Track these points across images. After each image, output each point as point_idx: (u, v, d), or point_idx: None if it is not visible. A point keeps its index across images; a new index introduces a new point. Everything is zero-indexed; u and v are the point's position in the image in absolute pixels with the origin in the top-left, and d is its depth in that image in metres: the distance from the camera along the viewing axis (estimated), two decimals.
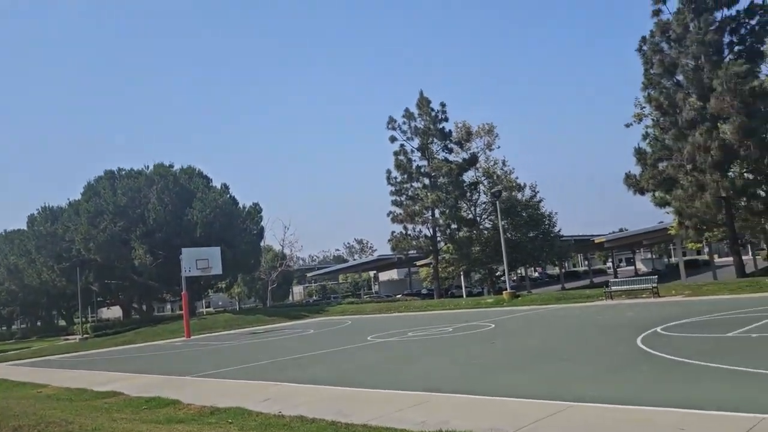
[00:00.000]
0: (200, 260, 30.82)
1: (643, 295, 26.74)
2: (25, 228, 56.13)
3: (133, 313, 58.66)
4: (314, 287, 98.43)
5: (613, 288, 27.52)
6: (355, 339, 20.37)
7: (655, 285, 26.12)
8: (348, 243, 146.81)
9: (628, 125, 36.14)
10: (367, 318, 33.31)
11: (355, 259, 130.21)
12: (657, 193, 30.42)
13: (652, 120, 30.62)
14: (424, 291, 79.01)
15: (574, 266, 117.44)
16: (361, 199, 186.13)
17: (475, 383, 9.82)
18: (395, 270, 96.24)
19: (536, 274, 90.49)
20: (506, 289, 33.60)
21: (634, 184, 30.84)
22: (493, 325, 20.07)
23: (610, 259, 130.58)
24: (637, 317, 18.15)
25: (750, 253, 71.04)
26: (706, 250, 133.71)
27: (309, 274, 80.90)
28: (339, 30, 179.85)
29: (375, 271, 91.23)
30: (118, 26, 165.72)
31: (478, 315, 25.93)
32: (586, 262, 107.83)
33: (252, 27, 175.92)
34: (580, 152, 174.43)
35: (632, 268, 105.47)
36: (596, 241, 52.98)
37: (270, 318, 39.68)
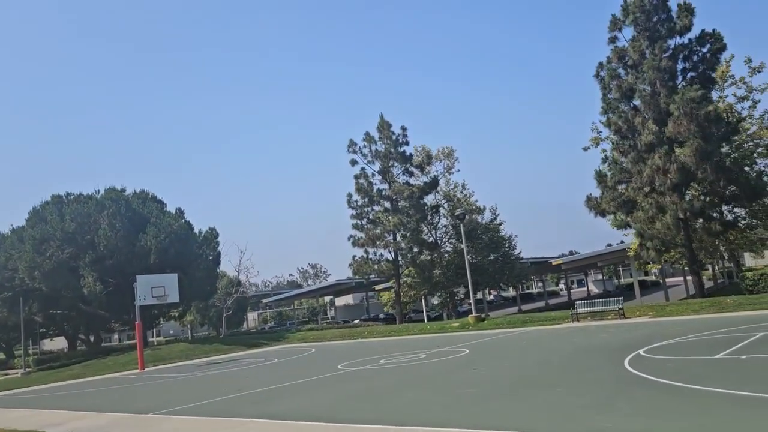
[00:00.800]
0: (156, 288, 29.42)
1: (609, 317, 26.87)
2: None
3: (78, 344, 55.70)
4: (269, 314, 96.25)
5: (579, 310, 27.56)
6: (325, 368, 19.57)
7: (620, 306, 26.29)
8: (302, 267, 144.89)
9: (586, 149, 36.90)
10: (331, 345, 32.41)
11: (309, 284, 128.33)
12: (618, 215, 30.88)
13: (612, 143, 31.24)
14: (381, 315, 78.19)
15: (527, 288, 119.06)
16: (314, 224, 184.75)
17: (470, 414, 9.30)
18: (351, 295, 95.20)
19: (491, 297, 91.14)
20: (471, 313, 33.35)
21: (595, 206, 31.25)
22: (467, 350, 19.63)
23: (562, 281, 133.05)
24: (613, 339, 18.04)
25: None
26: (654, 271, 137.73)
27: (264, 300, 79.04)
28: (296, 52, 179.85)
29: (332, 296, 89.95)
30: (60, 44, 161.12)
31: (447, 340, 25.48)
32: (540, 284, 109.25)
33: (203, 45, 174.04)
34: (530, 176, 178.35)
35: (583, 289, 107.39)
36: (553, 263, 53.54)
37: (227, 347, 38.24)
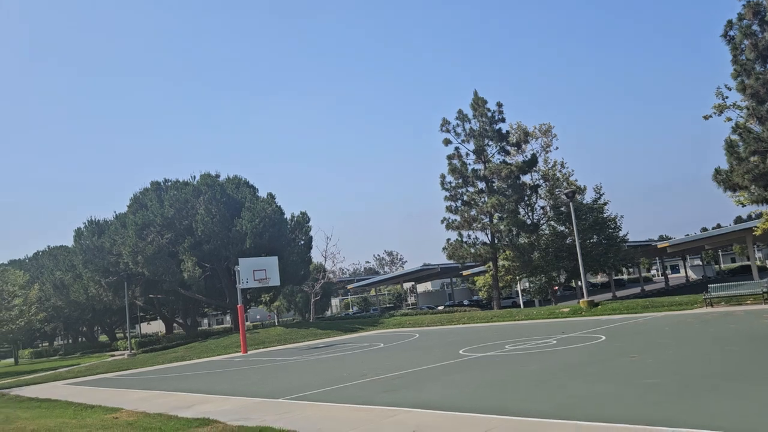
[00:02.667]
0: (257, 271, 29.09)
1: (748, 302, 24.22)
2: (68, 244, 55.54)
3: (175, 328, 57.40)
4: (352, 299, 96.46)
5: (714, 294, 24.93)
6: (446, 354, 18.29)
7: (766, 290, 23.54)
8: (378, 255, 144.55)
9: (707, 117, 33.53)
10: (433, 330, 31.18)
11: (386, 271, 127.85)
12: (753, 189, 27.74)
13: (747, 109, 28.03)
14: (466, 302, 76.36)
15: (619, 274, 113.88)
16: (390, 211, 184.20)
17: (686, 411, 7.70)
18: (429, 282, 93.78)
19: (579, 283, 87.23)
20: (575, 298, 31.24)
21: (725, 181, 28.22)
22: (603, 337, 17.79)
23: (654, 267, 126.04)
24: None
25: None
26: (758, 255, 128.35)
27: (350, 286, 78.94)
28: (374, 38, 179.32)
29: (413, 282, 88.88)
30: (155, 34, 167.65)
31: (567, 325, 23.63)
32: (631, 270, 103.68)
33: (284, 35, 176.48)
34: (627, 156, 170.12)
35: (679, 275, 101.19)
36: (659, 246, 50.10)
37: (323, 331, 37.80)
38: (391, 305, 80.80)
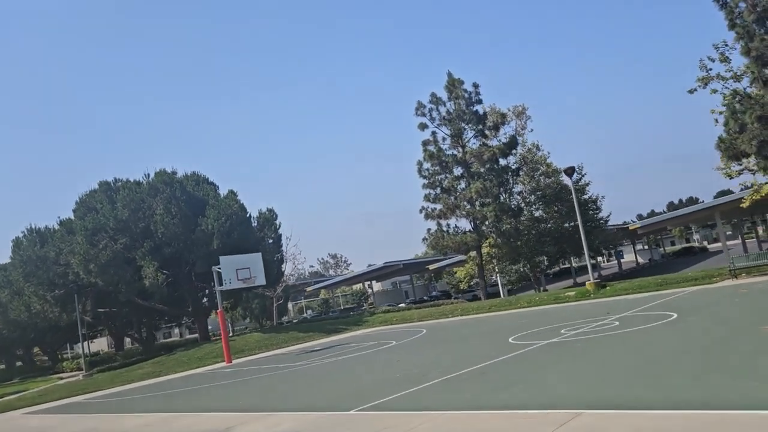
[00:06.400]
0: (241, 269, 25.91)
1: None
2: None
3: (129, 343, 52.66)
4: (307, 303, 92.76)
5: (737, 264, 23.87)
6: (497, 344, 16.04)
7: None
8: (322, 258, 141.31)
9: (691, 91, 32.95)
10: (436, 325, 28.86)
11: (331, 275, 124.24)
12: (758, 157, 26.99)
13: (752, 73, 27.24)
14: (426, 297, 74.13)
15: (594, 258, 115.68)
16: (330, 213, 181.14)
17: None
18: (379, 282, 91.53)
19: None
20: (581, 281, 29.77)
21: (728, 148, 27.37)
22: (675, 314, 15.98)
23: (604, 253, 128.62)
24: None
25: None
26: (696, 237, 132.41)
27: (309, 288, 75.77)
28: (339, 34, 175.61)
29: (374, 281, 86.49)
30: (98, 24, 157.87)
31: (600, 307, 21.90)
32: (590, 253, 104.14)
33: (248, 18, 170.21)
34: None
35: (623, 260, 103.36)
36: (630, 228, 49.87)
37: (305, 335, 34.85)
38: (353, 306, 77.85)
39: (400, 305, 61.70)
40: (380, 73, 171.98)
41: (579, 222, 30.29)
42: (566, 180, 41.05)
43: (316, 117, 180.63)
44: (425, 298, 74.35)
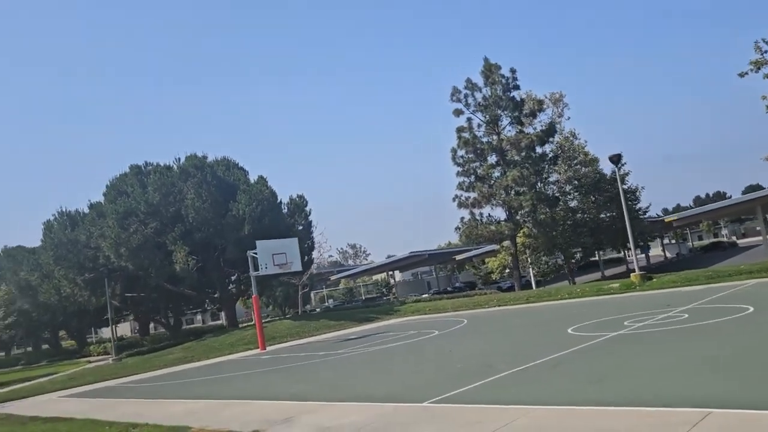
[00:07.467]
0: (277, 254, 25.26)
1: None
2: (25, 245, 49.88)
3: (155, 328, 52.64)
4: (329, 292, 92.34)
5: None
6: (557, 336, 15.19)
7: None
8: (341, 248, 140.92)
9: (742, 74, 31.69)
10: (477, 314, 27.98)
11: (350, 264, 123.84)
12: None
13: None
14: (449, 288, 73.13)
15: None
16: (348, 204, 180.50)
17: None
18: (400, 272, 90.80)
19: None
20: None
21: None
22: (752, 308, 14.98)
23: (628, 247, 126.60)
24: None
25: None
26: (724, 232, 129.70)
27: (333, 277, 75.32)
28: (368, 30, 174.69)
29: (397, 271, 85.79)
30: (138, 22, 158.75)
31: (653, 299, 20.92)
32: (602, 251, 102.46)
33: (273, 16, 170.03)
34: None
35: (650, 254, 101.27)
36: (666, 221, 48.53)
37: (336, 323, 34.23)
38: (377, 296, 77.18)
39: (423, 295, 60.92)
40: (410, 59, 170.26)
41: (624, 211, 29.14)
42: (605, 169, 39.92)
43: (346, 104, 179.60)
44: (449, 288, 73.46)
